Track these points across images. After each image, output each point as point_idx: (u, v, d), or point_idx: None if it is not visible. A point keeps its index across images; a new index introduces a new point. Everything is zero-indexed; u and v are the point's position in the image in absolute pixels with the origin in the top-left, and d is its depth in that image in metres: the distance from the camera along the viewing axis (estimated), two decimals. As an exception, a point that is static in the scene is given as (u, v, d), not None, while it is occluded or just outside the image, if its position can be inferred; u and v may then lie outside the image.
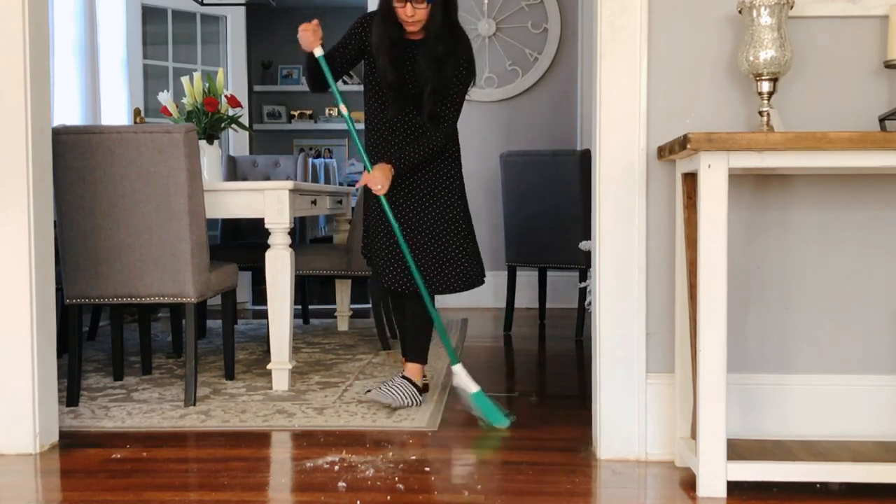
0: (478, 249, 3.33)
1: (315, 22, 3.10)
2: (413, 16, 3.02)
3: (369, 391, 3.33)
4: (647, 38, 2.54)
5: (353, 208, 4.58)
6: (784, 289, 2.57)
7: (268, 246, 3.49)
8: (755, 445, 2.45)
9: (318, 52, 3.11)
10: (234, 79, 6.17)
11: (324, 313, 5.78)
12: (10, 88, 2.63)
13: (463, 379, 3.09)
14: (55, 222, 3.09)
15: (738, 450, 2.38)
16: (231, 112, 4.23)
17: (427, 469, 2.50)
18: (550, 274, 6.02)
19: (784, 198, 2.56)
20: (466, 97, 3.19)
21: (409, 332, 3.30)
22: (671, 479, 2.42)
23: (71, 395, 3.24)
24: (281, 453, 2.72)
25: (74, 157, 3.16)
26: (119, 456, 2.65)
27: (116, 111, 5.48)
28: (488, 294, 6.14)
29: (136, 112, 5.54)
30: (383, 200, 3.13)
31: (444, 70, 3.08)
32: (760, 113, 2.39)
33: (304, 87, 8.63)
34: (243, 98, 6.14)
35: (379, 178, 3.08)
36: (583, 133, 6.00)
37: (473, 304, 6.15)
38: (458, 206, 3.30)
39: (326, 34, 3.16)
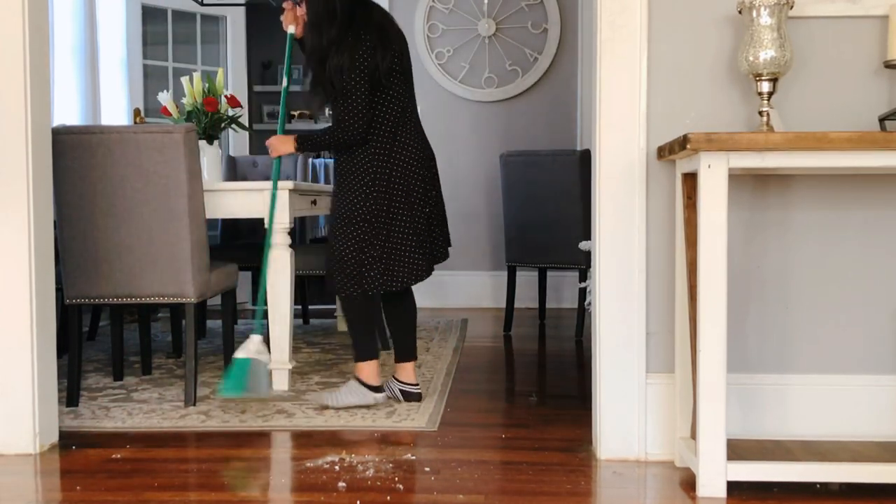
0: (340, 264, 3.14)
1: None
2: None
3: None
4: (647, 38, 2.54)
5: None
6: (784, 288, 2.57)
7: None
8: (755, 445, 2.45)
9: (291, 29, 3.26)
10: (234, 79, 6.17)
11: (324, 313, 5.79)
12: (10, 88, 2.63)
13: (250, 345, 3.12)
14: (55, 222, 3.09)
15: (738, 450, 2.38)
16: (231, 112, 4.23)
17: (427, 469, 2.50)
18: (550, 274, 6.02)
19: (784, 198, 2.56)
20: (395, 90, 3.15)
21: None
22: (671, 479, 2.42)
23: (71, 395, 3.25)
24: (281, 453, 2.72)
25: (74, 157, 3.16)
26: (119, 456, 2.65)
27: (116, 111, 5.48)
28: (488, 294, 6.14)
29: (136, 112, 5.53)
30: (274, 165, 3.32)
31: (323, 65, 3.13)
32: (760, 113, 2.40)
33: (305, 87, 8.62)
34: (243, 98, 6.14)
35: (272, 141, 3.27)
36: (583, 133, 6.00)
37: (473, 304, 6.15)
38: (338, 212, 3.17)
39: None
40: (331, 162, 8.15)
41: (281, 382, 3.49)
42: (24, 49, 2.63)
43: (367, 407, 3.17)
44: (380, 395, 3.20)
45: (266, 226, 3.43)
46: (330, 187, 4.36)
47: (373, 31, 3.09)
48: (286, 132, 3.32)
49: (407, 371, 3.29)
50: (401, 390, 3.28)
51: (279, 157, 3.30)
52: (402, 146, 3.13)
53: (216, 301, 5.61)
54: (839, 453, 2.37)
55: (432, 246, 3.22)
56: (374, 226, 3.10)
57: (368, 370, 3.20)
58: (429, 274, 3.20)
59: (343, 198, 3.15)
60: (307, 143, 3.20)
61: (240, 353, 3.10)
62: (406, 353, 3.31)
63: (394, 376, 3.32)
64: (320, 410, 3.15)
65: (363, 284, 3.13)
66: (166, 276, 3.22)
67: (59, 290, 3.43)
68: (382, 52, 3.09)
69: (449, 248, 3.31)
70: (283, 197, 3.45)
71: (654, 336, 2.59)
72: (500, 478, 2.44)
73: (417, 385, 3.31)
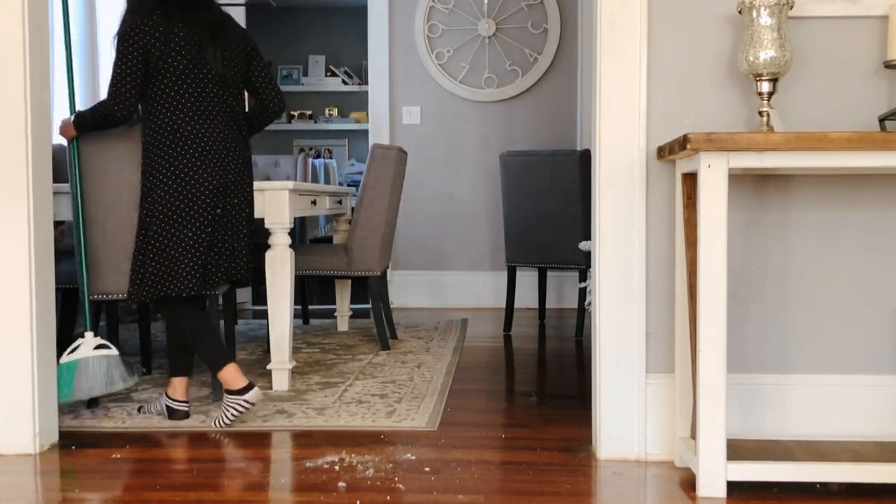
0: (144, 262, 2.94)
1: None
2: None
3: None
4: (647, 38, 2.54)
5: (352, 208, 4.58)
6: (784, 289, 2.57)
7: (268, 246, 3.49)
8: (755, 445, 2.45)
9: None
10: (234, 79, 6.16)
11: (324, 313, 5.79)
12: (10, 88, 2.63)
13: (82, 346, 2.98)
14: (81, 218, 3.08)
15: (738, 450, 2.38)
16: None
17: (427, 469, 2.50)
18: (550, 274, 6.03)
19: (784, 198, 2.56)
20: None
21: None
22: (671, 479, 2.42)
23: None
24: (281, 453, 2.72)
25: (97, 152, 3.11)
26: (119, 456, 2.65)
27: (116, 111, 5.47)
28: (488, 294, 6.14)
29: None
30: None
31: None
32: (760, 113, 2.40)
33: (304, 87, 8.64)
34: (243, 98, 6.13)
35: (62, 125, 3.12)
36: (583, 133, 6.00)
37: (473, 304, 6.15)
38: (141, 205, 2.98)
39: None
40: (332, 162, 8.17)
41: (281, 382, 3.49)
42: (24, 49, 2.63)
43: (246, 412, 2.96)
44: (252, 393, 2.94)
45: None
46: (330, 188, 4.37)
47: (170, 11, 2.93)
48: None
49: (175, 386, 3.07)
50: (167, 406, 3.05)
51: (74, 141, 3.10)
52: (188, 155, 2.92)
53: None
54: (839, 453, 2.37)
55: (207, 262, 2.98)
56: (155, 225, 2.92)
57: (230, 374, 2.96)
58: (198, 289, 2.95)
59: (141, 191, 2.98)
60: (82, 123, 3.03)
61: (64, 358, 2.95)
62: (180, 367, 3.10)
63: (165, 391, 3.09)
64: (320, 410, 3.15)
65: (147, 289, 2.94)
66: None
67: (59, 289, 3.43)
68: (166, 37, 2.90)
69: (241, 272, 3.08)
70: (284, 197, 3.45)
71: (654, 336, 2.59)
72: (500, 478, 2.44)
73: (187, 402, 3.07)
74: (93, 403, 3.22)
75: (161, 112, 2.95)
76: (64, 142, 3.26)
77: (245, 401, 2.94)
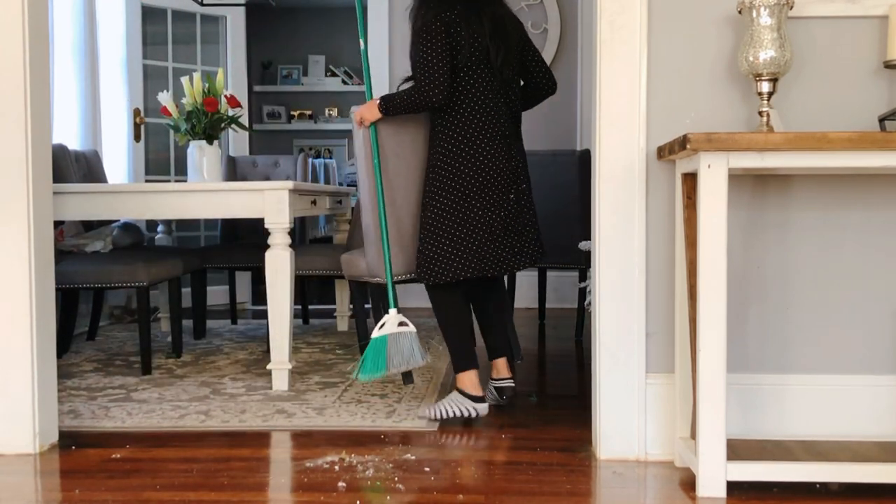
0: (425, 250, 3.05)
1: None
2: None
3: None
4: (647, 38, 2.54)
5: (352, 208, 4.58)
6: (784, 289, 2.57)
7: (268, 246, 3.50)
8: (755, 445, 2.45)
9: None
10: (233, 79, 6.17)
11: (324, 313, 5.78)
12: (10, 88, 2.63)
13: (387, 322, 3.08)
14: (381, 201, 3.10)
15: (738, 450, 2.38)
16: (231, 112, 4.23)
17: (427, 469, 2.50)
18: (550, 274, 6.02)
19: (784, 198, 2.56)
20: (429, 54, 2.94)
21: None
22: (671, 479, 2.42)
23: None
24: (281, 453, 2.72)
25: (388, 135, 3.14)
26: (119, 456, 2.65)
27: (116, 111, 5.48)
28: (488, 294, 6.13)
29: (136, 112, 5.54)
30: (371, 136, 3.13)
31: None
32: (760, 113, 2.40)
33: (304, 87, 8.64)
34: (243, 98, 6.14)
35: (360, 110, 3.13)
36: (583, 133, 6.00)
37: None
38: (429, 191, 3.06)
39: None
40: (332, 162, 8.16)
41: (281, 382, 3.49)
42: (24, 49, 2.63)
43: (469, 418, 3.00)
44: (482, 406, 3.00)
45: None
46: (330, 188, 4.37)
47: (470, 5, 2.99)
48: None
49: (497, 367, 3.22)
50: (495, 387, 3.20)
51: (373, 126, 3.12)
52: (481, 146, 2.99)
53: (217, 301, 5.62)
54: (839, 453, 2.37)
55: (502, 246, 3.04)
56: (448, 210, 3.00)
57: (468, 380, 3.02)
58: (499, 271, 3.05)
59: (428, 178, 3.06)
60: (389, 106, 3.05)
61: (376, 333, 3.06)
62: (494, 349, 3.24)
63: (457, 389, 3.07)
64: (319, 410, 3.15)
65: (438, 272, 3.04)
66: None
67: (59, 289, 3.43)
68: (468, 31, 2.96)
69: (535, 256, 3.15)
70: (283, 197, 3.45)
71: (654, 336, 2.59)
72: (500, 478, 2.44)
73: (510, 378, 3.21)
74: (408, 379, 3.22)
75: (456, 104, 3.00)
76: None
77: (475, 408, 3.00)
